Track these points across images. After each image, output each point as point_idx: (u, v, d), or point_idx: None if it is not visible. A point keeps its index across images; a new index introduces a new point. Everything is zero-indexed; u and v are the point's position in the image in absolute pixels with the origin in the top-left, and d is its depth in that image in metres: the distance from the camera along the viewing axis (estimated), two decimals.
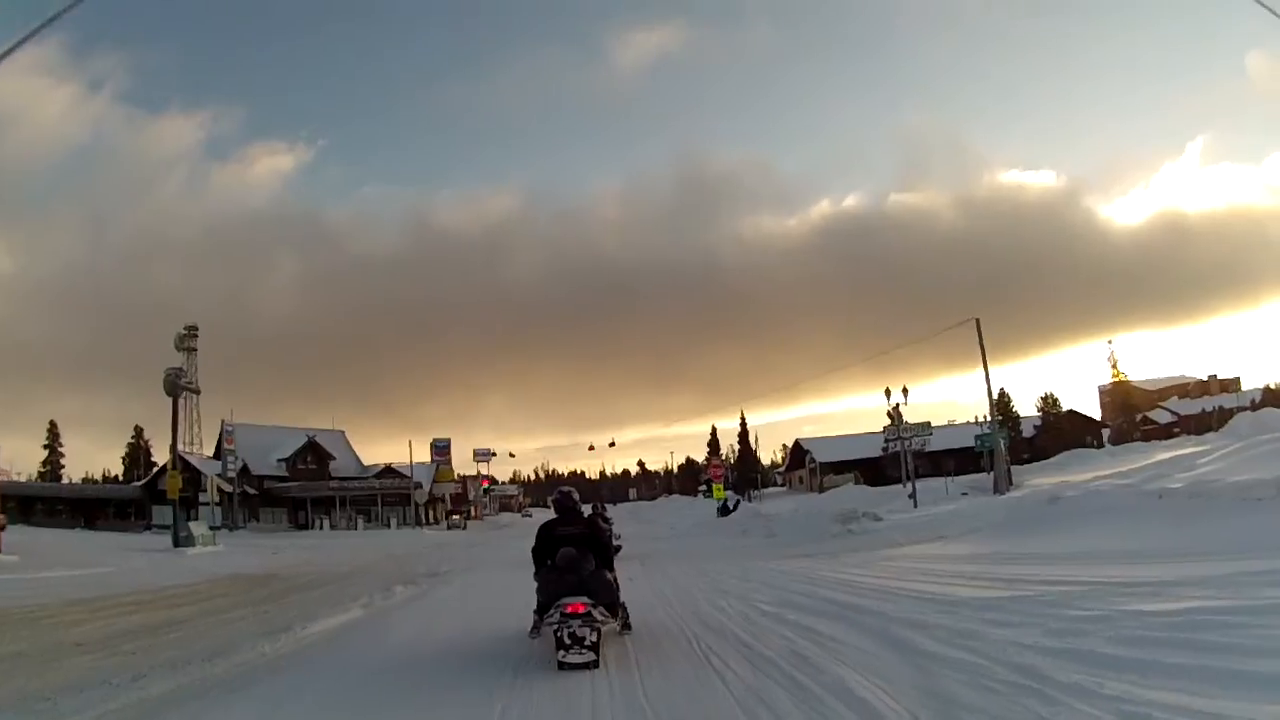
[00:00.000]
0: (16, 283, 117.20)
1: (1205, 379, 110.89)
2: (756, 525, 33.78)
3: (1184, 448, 49.09)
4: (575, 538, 9.87)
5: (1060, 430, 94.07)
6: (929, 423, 54.14)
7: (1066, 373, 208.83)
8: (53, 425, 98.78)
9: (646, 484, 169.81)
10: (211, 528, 49.66)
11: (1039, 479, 44.57)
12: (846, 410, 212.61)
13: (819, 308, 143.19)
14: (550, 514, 10.94)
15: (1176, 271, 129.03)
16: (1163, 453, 49.75)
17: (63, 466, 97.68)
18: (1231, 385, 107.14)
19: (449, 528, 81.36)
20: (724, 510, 51.75)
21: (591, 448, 71.40)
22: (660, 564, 22.80)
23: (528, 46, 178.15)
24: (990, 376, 45.14)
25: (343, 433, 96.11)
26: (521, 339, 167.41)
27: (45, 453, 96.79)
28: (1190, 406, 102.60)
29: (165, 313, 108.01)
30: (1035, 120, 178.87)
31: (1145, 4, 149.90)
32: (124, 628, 14.30)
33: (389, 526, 79.52)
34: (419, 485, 79.61)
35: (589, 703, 7.53)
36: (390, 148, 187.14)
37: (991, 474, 48.17)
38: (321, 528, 77.30)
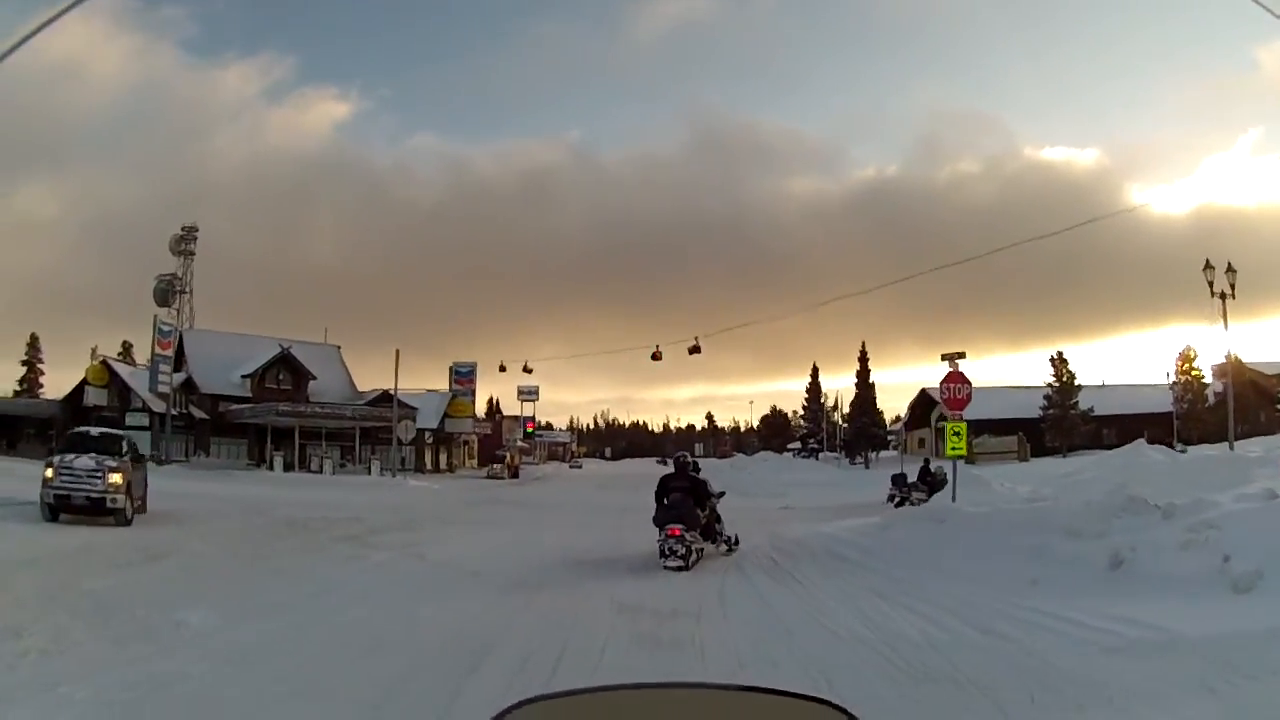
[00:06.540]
0: (60, 228, 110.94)
1: None
2: (1154, 544, 11.11)
3: None
4: (682, 488, 15.13)
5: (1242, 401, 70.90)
6: None
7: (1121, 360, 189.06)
8: (33, 339, 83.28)
9: (716, 440, 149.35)
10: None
11: None
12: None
13: (864, 268, 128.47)
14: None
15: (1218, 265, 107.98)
16: None
17: (41, 386, 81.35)
18: None
19: (489, 476, 67.86)
20: (903, 487, 29.71)
21: (657, 356, 46.29)
22: None
23: (560, 9, 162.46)
24: None
25: (337, 348, 75.74)
26: (571, 294, 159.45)
27: (24, 369, 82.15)
28: None
29: (207, 253, 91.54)
30: (1078, 100, 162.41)
31: None
32: None
33: (370, 472, 57.57)
34: (407, 416, 56.95)
35: None
36: (436, 101, 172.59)
37: None
38: (272, 468, 56.06)
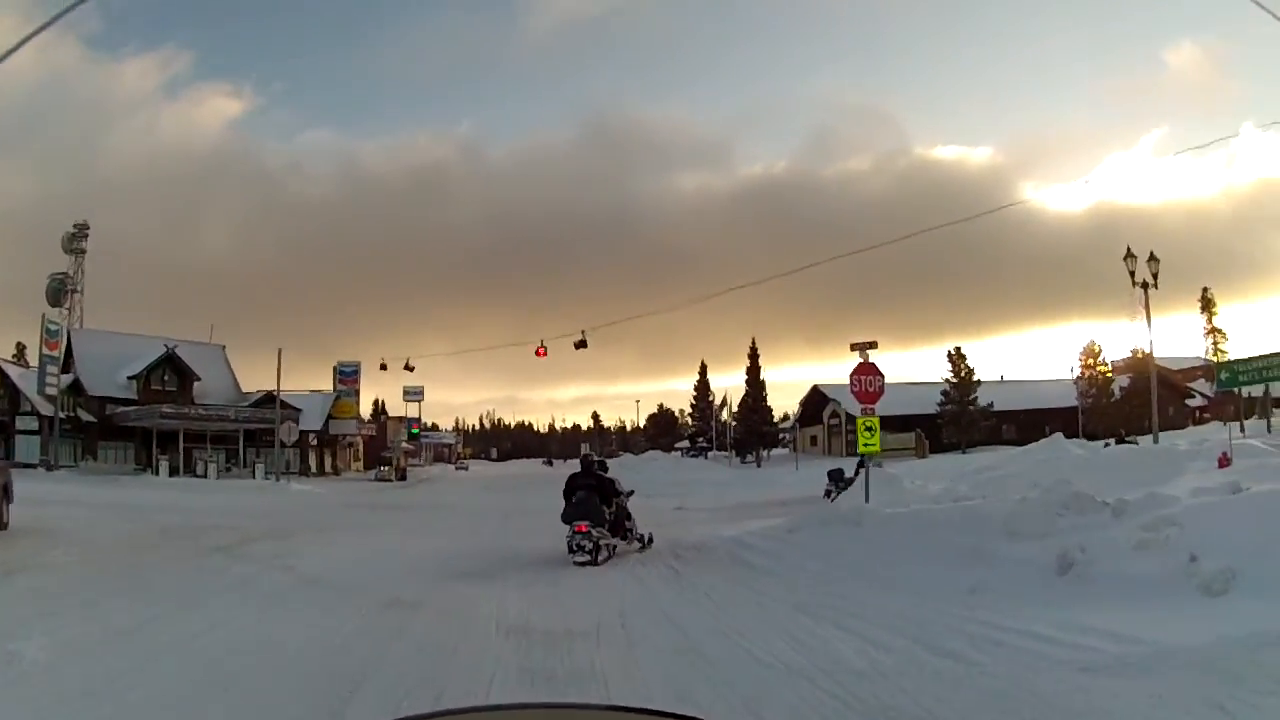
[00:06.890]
0: None
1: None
2: (1107, 545, 10.68)
3: None
4: (588, 486, 15.81)
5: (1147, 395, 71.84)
6: None
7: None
8: None
9: (603, 440, 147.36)
10: None
11: None
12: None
13: (752, 266, 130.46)
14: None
15: (1115, 264, 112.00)
16: None
17: None
18: None
19: (378, 478, 66.44)
20: (839, 482, 28.26)
21: (542, 351, 44.29)
22: None
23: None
24: None
25: (222, 348, 72.92)
26: (457, 292, 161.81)
27: None
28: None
29: (101, 251, 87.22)
30: (975, 96, 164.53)
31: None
32: None
33: (254, 476, 55.42)
34: (290, 418, 54.54)
35: None
36: (328, 96, 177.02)
37: None
38: (157, 472, 53.44)
